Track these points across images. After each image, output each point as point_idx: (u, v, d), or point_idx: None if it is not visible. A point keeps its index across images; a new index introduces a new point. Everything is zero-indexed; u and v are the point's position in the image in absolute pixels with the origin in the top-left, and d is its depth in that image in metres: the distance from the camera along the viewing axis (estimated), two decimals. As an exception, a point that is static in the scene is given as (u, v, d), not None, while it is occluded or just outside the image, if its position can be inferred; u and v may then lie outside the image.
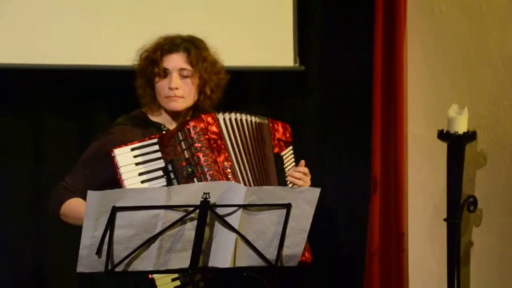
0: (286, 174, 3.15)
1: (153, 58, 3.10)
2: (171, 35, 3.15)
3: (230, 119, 3.04)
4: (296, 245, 2.79)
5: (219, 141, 2.98)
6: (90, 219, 2.57)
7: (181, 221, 2.64)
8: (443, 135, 3.98)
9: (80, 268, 2.63)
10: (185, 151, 2.94)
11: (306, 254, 3.05)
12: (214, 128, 2.98)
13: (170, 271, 2.74)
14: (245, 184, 2.98)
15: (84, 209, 2.56)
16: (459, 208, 4.01)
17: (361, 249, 4.36)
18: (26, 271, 3.99)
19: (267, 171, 3.08)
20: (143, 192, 2.62)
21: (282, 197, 2.71)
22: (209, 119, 2.99)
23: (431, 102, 4.30)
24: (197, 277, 2.77)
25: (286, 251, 2.78)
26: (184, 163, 2.94)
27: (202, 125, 2.96)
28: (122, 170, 2.94)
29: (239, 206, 2.67)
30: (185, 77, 3.10)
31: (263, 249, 2.75)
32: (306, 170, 3.17)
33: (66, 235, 3.23)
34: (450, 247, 4.01)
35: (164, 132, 3.09)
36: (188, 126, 2.95)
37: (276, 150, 3.16)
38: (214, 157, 2.95)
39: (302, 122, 4.37)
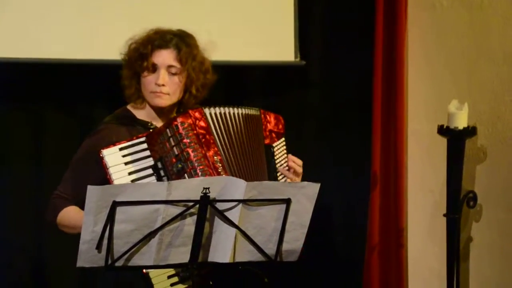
0: (277, 166, 3.15)
1: (142, 52, 3.07)
2: (162, 29, 3.11)
3: (216, 114, 3.02)
4: (295, 240, 2.79)
5: (207, 136, 2.97)
6: (90, 214, 2.57)
7: (181, 216, 2.64)
8: (443, 130, 3.98)
9: (80, 263, 2.62)
10: (174, 148, 2.93)
11: None
12: (202, 123, 2.97)
13: (170, 266, 2.74)
14: (234, 177, 2.98)
15: (80, 217, 2.54)
16: (458, 203, 4.01)
17: (360, 244, 4.36)
18: (26, 267, 3.98)
19: (256, 163, 3.07)
20: (143, 187, 2.62)
21: (282, 192, 2.71)
22: (197, 114, 2.97)
23: (431, 97, 4.30)
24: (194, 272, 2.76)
25: (285, 246, 2.78)
26: (174, 160, 2.93)
27: (190, 120, 2.94)
28: (111, 170, 2.92)
29: (239, 201, 2.67)
30: (173, 74, 3.07)
31: (262, 244, 2.75)
32: (299, 161, 3.16)
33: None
34: (450, 242, 4.02)
35: (151, 130, 3.07)
36: (176, 122, 2.93)
37: (267, 141, 3.14)
38: (203, 152, 2.94)
39: (302, 116, 4.37)
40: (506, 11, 4.03)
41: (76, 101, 4.01)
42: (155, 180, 2.94)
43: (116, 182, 2.90)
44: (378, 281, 4.34)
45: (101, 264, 2.62)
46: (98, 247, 2.60)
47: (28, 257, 3.98)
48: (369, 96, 4.31)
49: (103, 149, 2.93)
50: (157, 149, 2.95)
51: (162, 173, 2.94)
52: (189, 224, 2.66)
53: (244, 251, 2.74)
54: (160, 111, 3.12)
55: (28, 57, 3.82)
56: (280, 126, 3.20)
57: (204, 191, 2.61)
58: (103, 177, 2.93)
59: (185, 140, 2.93)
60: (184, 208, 2.63)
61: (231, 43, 3.30)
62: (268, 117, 3.17)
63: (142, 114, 3.14)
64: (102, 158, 2.92)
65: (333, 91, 4.40)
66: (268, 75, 4.31)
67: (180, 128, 2.93)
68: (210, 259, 2.73)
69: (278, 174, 3.15)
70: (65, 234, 3.03)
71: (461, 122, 3.94)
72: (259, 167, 3.08)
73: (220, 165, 2.96)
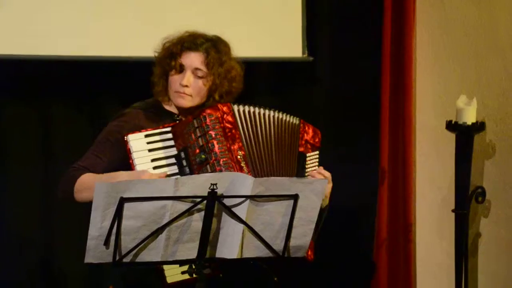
0: (307, 174, 3.17)
1: (173, 51, 3.14)
2: (197, 32, 3.19)
3: (244, 111, 3.08)
4: (303, 236, 2.80)
5: (233, 131, 3.03)
6: (98, 210, 2.58)
7: (189, 212, 2.65)
8: (451, 126, 3.97)
9: (88, 259, 2.64)
10: (199, 138, 2.98)
11: (309, 251, 3.06)
12: (229, 118, 3.03)
13: (177, 262, 2.75)
14: (258, 175, 2.99)
15: (98, 178, 2.55)
16: (467, 199, 4.00)
17: (369, 239, 4.36)
18: (35, 261, 3.99)
19: (283, 165, 3.10)
20: (150, 183, 2.63)
21: (290, 188, 2.72)
22: (225, 109, 3.04)
23: (439, 93, 4.29)
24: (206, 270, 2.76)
25: (293, 242, 2.79)
26: (197, 150, 2.98)
27: (218, 113, 3.01)
28: (135, 155, 2.97)
29: (247, 197, 2.68)
30: (199, 77, 3.13)
31: (270, 240, 2.76)
32: (328, 174, 3.17)
33: (74, 226, 3.23)
34: (458, 238, 4.01)
35: (177, 121, 3.12)
36: (204, 114, 2.99)
37: (301, 149, 3.19)
38: (228, 145, 2.99)
39: (310, 112, 4.36)
40: (514, 6, 4.03)
41: (85, 98, 4.02)
42: (177, 170, 2.98)
43: (138, 167, 2.95)
44: (387, 276, 4.35)
45: (109, 260, 2.64)
46: (106, 243, 2.62)
47: (36, 253, 3.99)
48: (377, 92, 4.31)
49: (129, 134, 2.98)
50: (182, 139, 3.00)
51: (184, 163, 2.99)
52: (197, 220, 2.67)
53: (252, 247, 2.75)
54: (183, 110, 3.17)
55: (37, 54, 3.83)
56: (317, 139, 3.25)
57: (212, 187, 2.62)
58: (121, 159, 2.98)
59: (211, 132, 2.98)
60: (192, 204, 2.64)
61: (239, 39, 3.30)
62: (307, 128, 3.22)
63: (170, 107, 3.20)
64: (127, 143, 2.97)
65: (341, 87, 4.39)
66: (276, 71, 4.32)
67: (208, 119, 2.99)
68: (217, 255, 2.74)
69: None
70: (73, 225, 3.04)
71: (469, 117, 3.94)
72: (286, 169, 3.11)
73: (243, 160, 2.99)
